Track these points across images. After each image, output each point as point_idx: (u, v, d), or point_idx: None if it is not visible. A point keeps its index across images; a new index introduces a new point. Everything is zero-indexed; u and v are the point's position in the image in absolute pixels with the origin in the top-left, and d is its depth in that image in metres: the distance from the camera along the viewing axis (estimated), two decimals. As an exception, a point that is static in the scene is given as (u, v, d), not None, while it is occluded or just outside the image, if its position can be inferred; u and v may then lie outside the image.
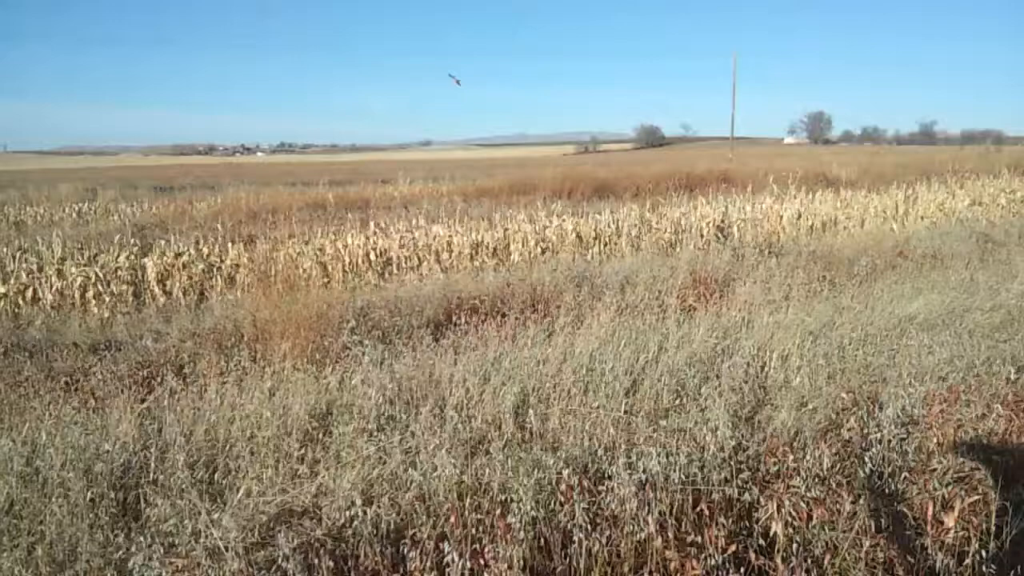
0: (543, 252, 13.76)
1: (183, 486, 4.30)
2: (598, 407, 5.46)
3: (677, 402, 5.77)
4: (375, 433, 5.03)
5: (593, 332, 7.12)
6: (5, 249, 12.58)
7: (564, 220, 14.99)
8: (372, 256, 12.85)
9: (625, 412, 5.48)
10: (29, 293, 10.87)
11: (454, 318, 8.48)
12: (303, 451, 4.75)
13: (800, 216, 17.00)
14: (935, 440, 5.06)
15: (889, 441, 4.92)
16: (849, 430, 5.21)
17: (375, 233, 13.88)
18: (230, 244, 13.04)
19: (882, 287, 9.52)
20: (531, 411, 5.43)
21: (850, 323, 7.68)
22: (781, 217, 16.60)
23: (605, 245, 14.39)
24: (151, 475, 4.55)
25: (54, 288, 10.95)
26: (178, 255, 12.26)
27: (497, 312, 8.64)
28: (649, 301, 8.76)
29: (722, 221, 15.80)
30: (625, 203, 18.76)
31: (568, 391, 5.78)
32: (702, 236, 15.02)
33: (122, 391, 6.05)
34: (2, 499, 4.16)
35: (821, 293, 9.31)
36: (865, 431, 5.13)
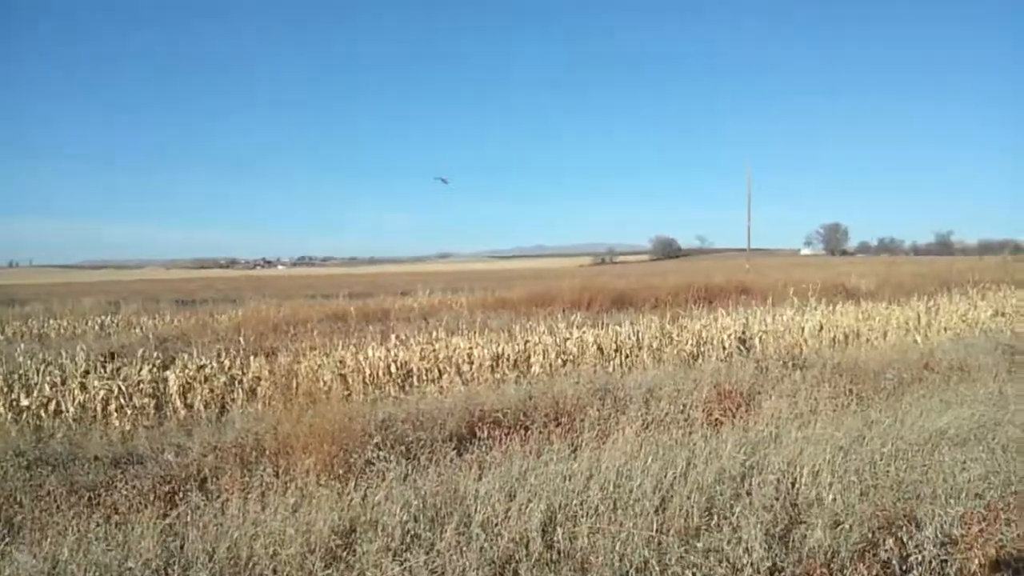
0: (564, 364, 13.72)
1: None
2: (628, 526, 5.34)
3: (708, 520, 5.63)
4: (400, 552, 4.93)
5: (619, 447, 7.03)
6: (29, 362, 12.66)
7: (584, 331, 15.01)
8: (392, 368, 12.84)
9: (656, 531, 5.34)
10: (52, 406, 10.89)
11: (477, 431, 8.41)
12: (328, 571, 4.63)
13: (822, 328, 16.95)
14: (977, 561, 4.90)
15: (930, 563, 4.76)
16: (887, 550, 5.05)
17: (395, 345, 13.91)
18: (251, 357, 13.09)
19: (910, 401, 9.40)
20: (559, 529, 5.32)
21: (880, 438, 7.55)
22: (803, 329, 16.56)
23: (626, 357, 14.34)
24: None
25: (76, 401, 10.97)
26: (200, 368, 12.29)
27: (520, 425, 8.56)
28: (674, 415, 8.67)
29: (743, 333, 15.77)
30: (644, 314, 18.77)
31: (596, 508, 5.67)
32: (724, 348, 14.96)
33: (145, 506, 5.98)
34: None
35: (848, 407, 9.18)
36: (904, 552, 4.97)
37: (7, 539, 5.48)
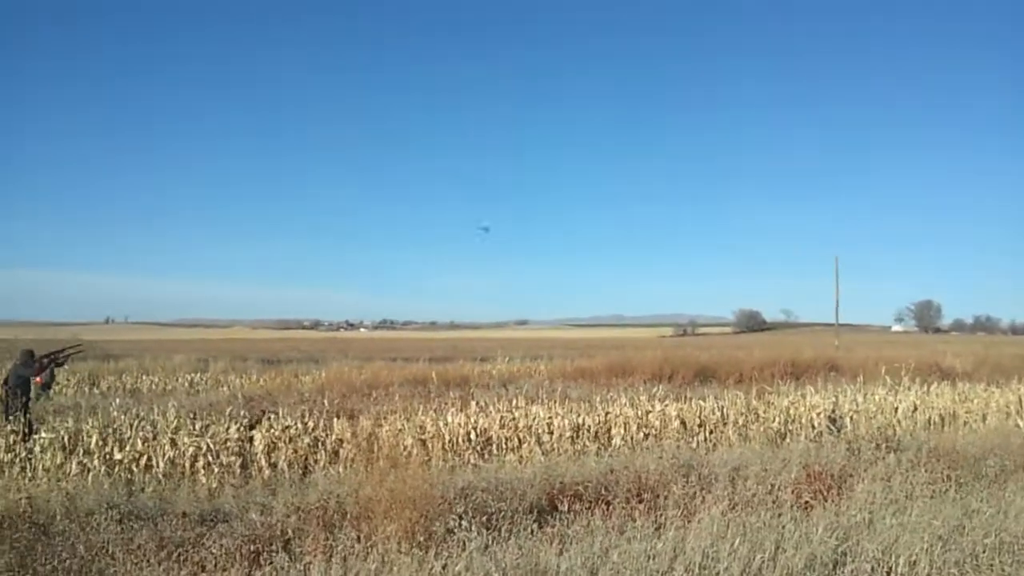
0: (645, 437, 13.49)
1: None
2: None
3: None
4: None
5: (704, 527, 6.84)
6: (123, 417, 13.10)
7: (666, 404, 14.77)
8: (472, 435, 12.84)
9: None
10: (143, 460, 11.21)
11: (557, 504, 8.31)
12: (408, 641, 4.60)
13: (916, 409, 16.31)
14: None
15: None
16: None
17: (475, 412, 13.93)
18: (335, 418, 13.28)
19: (1014, 490, 8.91)
20: (642, 610, 5.18)
21: (982, 528, 7.17)
22: (896, 409, 15.96)
23: (710, 432, 14.03)
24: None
25: (166, 457, 11.26)
26: (284, 428, 12.50)
27: (601, 499, 8.43)
28: (762, 496, 8.41)
29: (833, 411, 15.27)
30: (728, 388, 18.43)
31: (680, 590, 5.51)
32: (813, 427, 14.50)
33: (231, 565, 6.08)
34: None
35: (947, 494, 8.75)
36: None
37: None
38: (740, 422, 14.41)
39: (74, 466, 10.80)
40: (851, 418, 15.20)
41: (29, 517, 7.52)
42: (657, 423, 13.95)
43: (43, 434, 11.49)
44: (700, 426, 14.19)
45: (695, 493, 8.44)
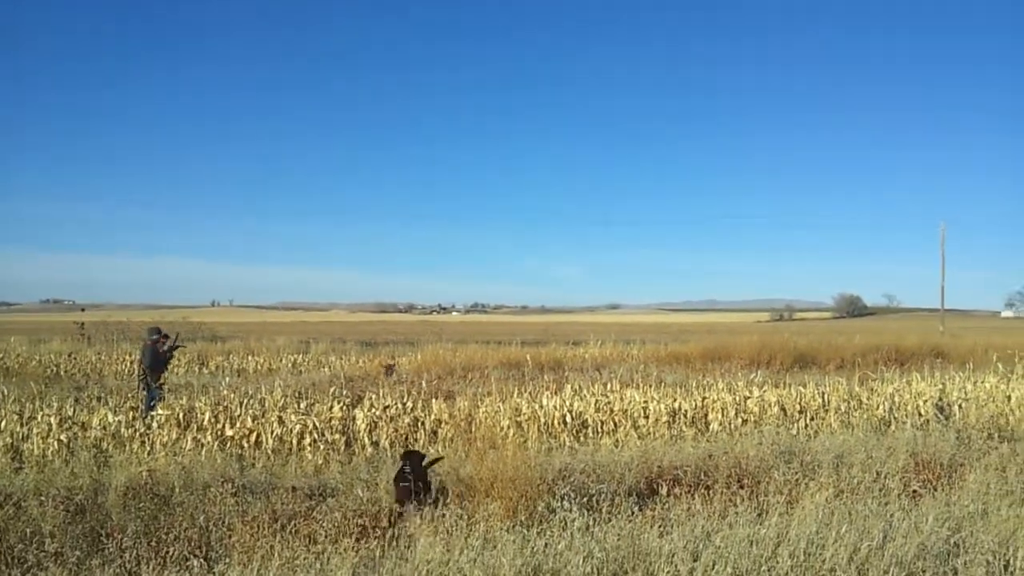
0: (744, 423, 13.29)
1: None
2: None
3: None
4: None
5: (808, 513, 6.73)
6: (232, 395, 13.66)
7: (765, 390, 14.50)
8: (568, 418, 12.90)
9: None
10: (252, 437, 11.67)
11: (656, 487, 8.30)
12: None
13: (1031, 398, 15.55)
14: None
15: None
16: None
17: (571, 395, 13.97)
18: (432, 400, 13.54)
19: None
20: (746, 594, 5.15)
21: (1107, 523, 6.82)
22: (1009, 398, 15.25)
23: (811, 419, 13.73)
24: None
25: (274, 434, 11.69)
26: (385, 408, 12.82)
27: (700, 484, 8.38)
28: (868, 484, 8.21)
29: (940, 399, 14.72)
30: (828, 374, 17.99)
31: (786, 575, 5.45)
32: (919, 415, 14.01)
33: (340, 538, 6.31)
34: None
35: (1067, 487, 8.36)
36: None
37: (227, 558, 5.93)
38: (842, 409, 14.04)
39: (189, 442, 11.30)
40: (960, 406, 14.61)
41: (151, 489, 7.93)
42: (756, 409, 13.72)
43: (159, 411, 12.08)
44: (800, 412, 13.88)
45: (797, 480, 8.30)
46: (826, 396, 14.40)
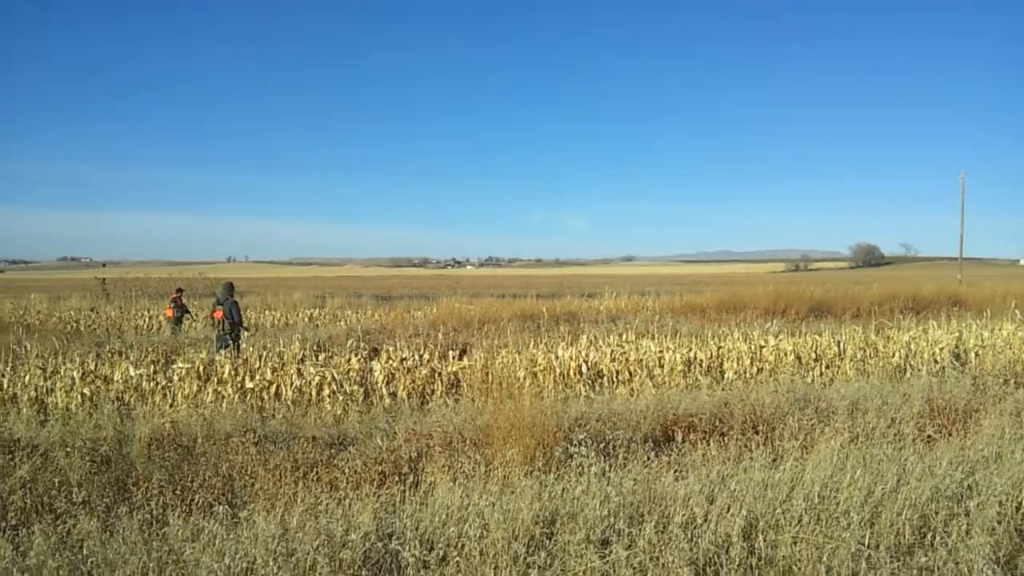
0: (759, 372, 13.35)
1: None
2: (835, 538, 5.15)
3: (921, 539, 5.35)
4: (600, 545, 5.01)
5: (823, 458, 6.78)
6: (251, 349, 13.82)
7: (781, 339, 14.52)
8: (584, 368, 12.97)
9: (865, 545, 5.13)
10: (272, 389, 11.82)
11: (671, 434, 8.38)
12: (532, 556, 4.79)
13: (1050, 344, 15.50)
14: None
15: None
16: None
17: (586, 346, 14.04)
18: (449, 351, 13.64)
19: None
20: (760, 536, 5.23)
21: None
22: (1025, 345, 15.22)
23: (827, 367, 13.76)
24: (390, 565, 4.77)
25: (294, 385, 11.84)
26: (402, 360, 12.94)
27: (716, 431, 8.46)
28: (883, 429, 8.25)
29: (956, 346, 14.71)
30: (844, 324, 17.91)
31: (799, 518, 5.51)
32: (936, 362, 14.01)
33: (360, 484, 6.43)
34: (270, 575, 4.48)
35: (1084, 431, 8.37)
36: None
37: (251, 504, 6.05)
38: (858, 357, 14.06)
39: (210, 394, 11.47)
40: (976, 353, 14.61)
41: (174, 439, 8.08)
42: (771, 358, 13.76)
43: (180, 364, 12.24)
44: (816, 361, 13.92)
45: (813, 426, 8.35)
46: (842, 344, 14.41)
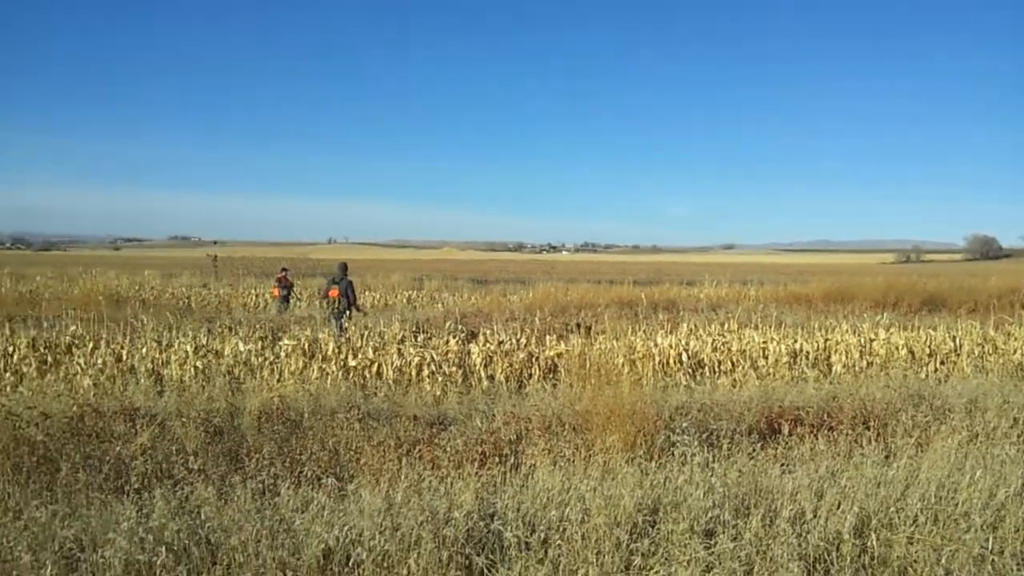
0: (869, 365, 12.87)
1: (526, 562, 4.48)
2: (953, 540, 4.92)
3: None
4: (704, 536, 4.93)
5: (939, 456, 6.49)
6: (353, 328, 14.12)
7: (892, 333, 13.97)
8: (684, 357, 12.76)
9: (988, 550, 4.88)
10: (374, 368, 12.06)
11: (776, 427, 8.17)
12: (635, 544, 4.74)
13: None
14: None
15: None
16: None
17: (687, 334, 13.81)
18: (545, 335, 13.64)
19: None
20: (873, 535, 5.04)
21: None
22: None
23: (941, 363, 13.16)
24: (492, 545, 4.80)
25: (394, 365, 12.04)
26: (499, 343, 13.00)
27: (823, 425, 8.20)
28: (1005, 429, 7.84)
29: (1087, 344, 13.84)
30: (960, 318, 17.12)
31: (915, 518, 5.29)
32: (1068, 362, 13.22)
33: (460, 464, 6.50)
34: (376, 547, 4.57)
35: None
36: None
37: (356, 478, 6.19)
38: (975, 353, 13.40)
39: (315, 371, 11.77)
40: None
41: (282, 413, 8.32)
42: (882, 351, 13.25)
43: (286, 341, 12.61)
44: (930, 356, 13.34)
45: (927, 423, 8.00)
46: (958, 340, 13.77)
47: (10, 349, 11.90)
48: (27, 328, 13.24)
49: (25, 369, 11.43)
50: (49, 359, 11.83)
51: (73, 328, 13.03)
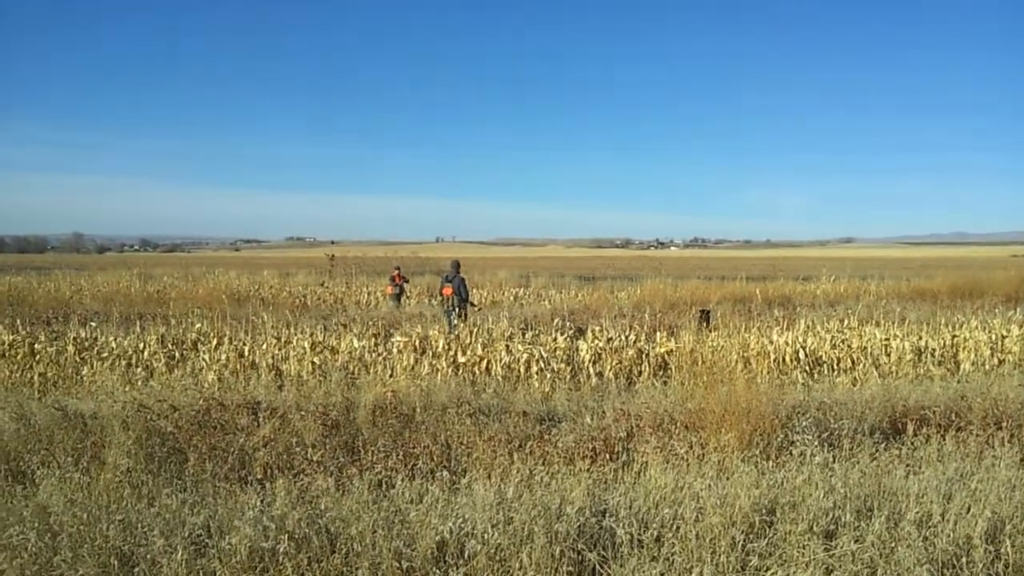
0: (1000, 363, 12.18)
1: (639, 560, 4.45)
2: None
3: None
4: (823, 537, 4.77)
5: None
6: (462, 324, 14.31)
7: (1027, 329, 13.19)
8: (801, 354, 12.38)
9: None
10: (483, 364, 12.19)
11: (900, 427, 7.84)
12: (752, 544, 4.64)
13: None
14: None
15: None
16: None
17: (804, 331, 13.40)
18: (656, 333, 13.48)
19: None
20: (1007, 541, 4.77)
21: None
22: None
23: (1084, 361, 12.34)
24: (604, 541, 4.78)
25: (503, 362, 12.13)
26: (608, 340, 12.92)
27: (951, 425, 7.81)
28: None
29: None
30: (1106, 314, 16.01)
31: (1055, 524, 4.98)
32: None
33: (573, 459, 6.50)
34: (489, 540, 4.62)
35: None
36: None
37: (469, 472, 6.28)
38: None
39: (426, 367, 11.99)
40: None
41: (395, 408, 8.50)
42: (1015, 349, 12.52)
43: (398, 337, 12.89)
44: (1073, 354, 12.52)
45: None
46: (1101, 336, 12.88)
47: (141, 346, 12.60)
48: (156, 325, 13.97)
49: (155, 364, 12.07)
50: (176, 355, 12.48)
51: (198, 326, 13.72)
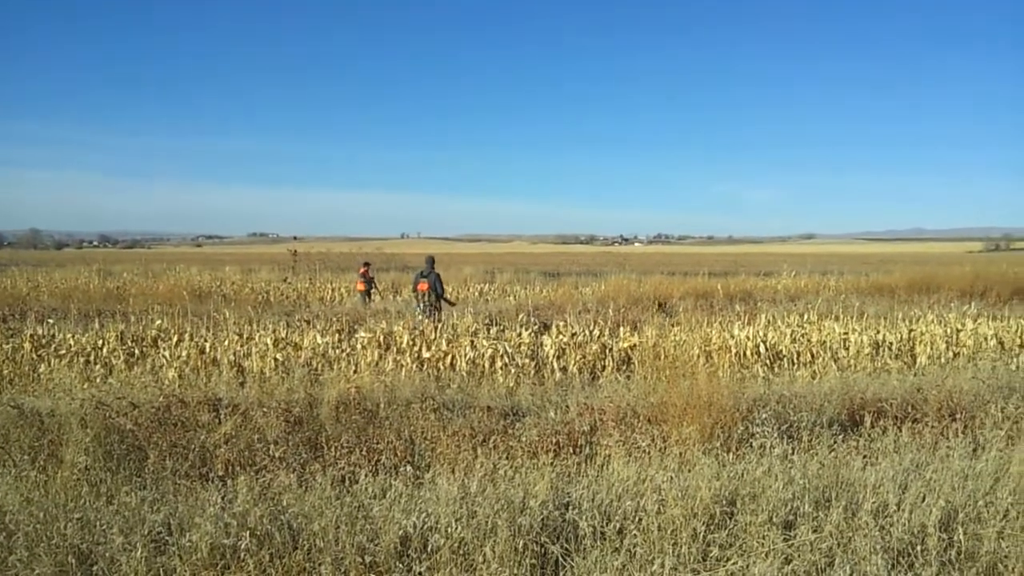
0: (955, 356, 12.44)
1: (601, 552, 4.48)
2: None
3: None
4: (783, 528, 4.85)
5: (1032, 450, 6.25)
6: (426, 320, 14.29)
7: (980, 323, 13.47)
8: (761, 349, 12.54)
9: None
10: (447, 360, 12.17)
11: (858, 419, 7.97)
12: (713, 535, 4.70)
13: None
14: None
15: None
16: None
17: (764, 326, 13.57)
18: (619, 327, 13.57)
19: None
20: (960, 528, 4.88)
21: None
22: None
23: (1034, 355, 12.64)
24: (567, 534, 4.81)
25: (467, 357, 12.13)
26: (572, 335, 12.98)
27: (907, 417, 7.97)
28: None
29: None
30: (1055, 308, 16.42)
31: (1005, 512, 5.11)
32: None
33: (535, 454, 6.52)
34: (452, 534, 4.63)
35: None
36: None
37: (432, 467, 6.28)
38: (1072, 344, 12.84)
39: (390, 362, 11.93)
40: None
41: (359, 404, 8.46)
42: (969, 342, 12.80)
43: (362, 333, 12.83)
44: (1021, 346, 12.82)
45: (1019, 415, 7.71)
46: (1052, 330, 13.20)
47: (100, 343, 12.40)
48: (115, 322, 13.76)
49: (114, 361, 11.87)
50: (136, 352, 12.29)
51: (159, 322, 13.54)
